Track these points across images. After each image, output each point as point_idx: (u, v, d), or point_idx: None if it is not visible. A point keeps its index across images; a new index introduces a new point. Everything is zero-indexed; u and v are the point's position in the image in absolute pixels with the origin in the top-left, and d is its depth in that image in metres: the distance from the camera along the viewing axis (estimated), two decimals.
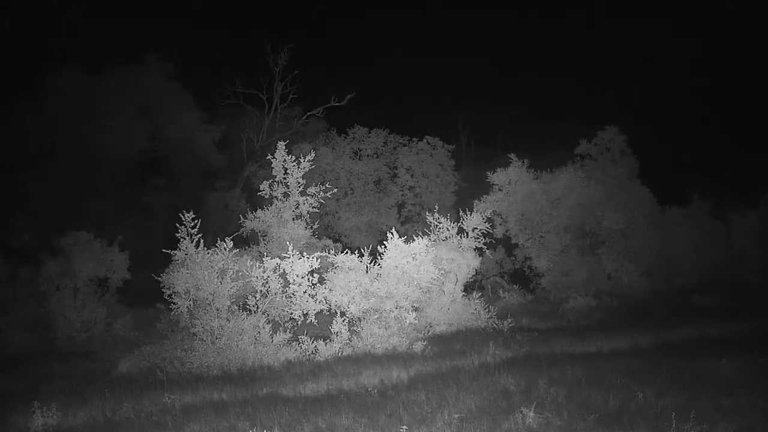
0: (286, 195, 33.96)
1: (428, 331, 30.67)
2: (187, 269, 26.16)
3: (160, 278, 26.74)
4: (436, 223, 33.96)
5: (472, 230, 34.05)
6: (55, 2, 53.75)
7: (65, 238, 32.19)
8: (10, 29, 47.21)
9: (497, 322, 31.55)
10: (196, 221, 26.74)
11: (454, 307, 31.90)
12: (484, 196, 43.15)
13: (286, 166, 33.79)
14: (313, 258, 27.66)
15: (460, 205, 45.16)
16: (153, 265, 29.55)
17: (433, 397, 20.77)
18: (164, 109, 50.30)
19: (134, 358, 26.63)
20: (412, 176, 51.81)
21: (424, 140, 52.21)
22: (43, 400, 20.29)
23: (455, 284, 32.16)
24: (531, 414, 18.30)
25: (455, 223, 34.11)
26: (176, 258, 26.61)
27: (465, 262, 32.55)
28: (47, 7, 52.65)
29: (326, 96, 50.90)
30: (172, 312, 26.53)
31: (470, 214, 34.46)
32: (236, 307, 26.47)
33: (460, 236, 33.86)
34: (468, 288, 34.63)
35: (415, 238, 29.62)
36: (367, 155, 51.79)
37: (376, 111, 52.28)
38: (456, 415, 18.73)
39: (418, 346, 27.55)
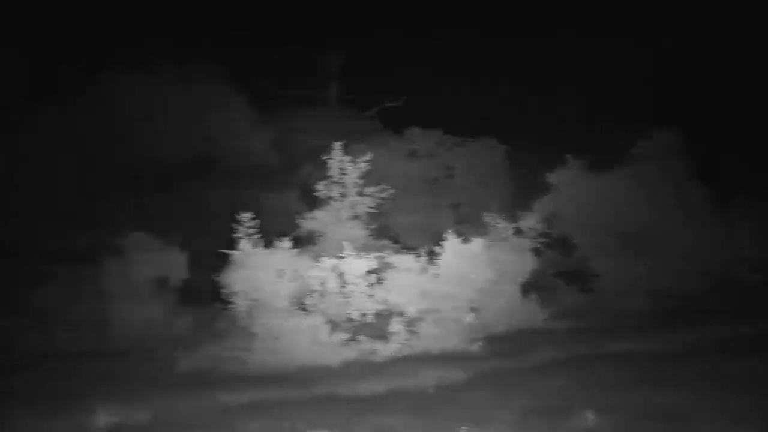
0: (342, 195, 33.98)
1: (485, 332, 30.55)
2: (246, 269, 26.30)
3: (219, 278, 26.92)
4: (493, 223, 33.83)
5: (529, 230, 33.88)
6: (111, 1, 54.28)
7: (125, 238, 32.40)
8: (67, 28, 47.72)
9: (554, 323, 31.39)
10: (253, 221, 26.89)
11: (511, 307, 31.77)
12: (542, 196, 42.84)
13: (342, 166, 33.82)
14: (370, 258, 27.70)
15: (517, 205, 44.93)
16: (212, 265, 29.75)
17: (490, 397, 20.73)
18: (219, 110, 50.54)
19: (194, 357, 26.80)
20: (467, 176, 51.54)
21: (480, 140, 51.95)
22: (103, 399, 20.48)
23: (512, 285, 32.03)
24: (590, 415, 18.18)
25: (512, 224, 33.97)
26: (234, 258, 26.77)
27: (522, 262, 32.43)
28: (103, 5, 53.23)
29: (382, 96, 50.92)
30: (231, 312, 26.69)
31: (527, 215, 34.30)
32: (294, 307, 26.57)
33: (517, 237, 33.70)
34: (525, 288, 34.42)
35: (471, 238, 29.55)
36: (423, 155, 51.61)
37: (432, 111, 51.96)
38: (514, 416, 18.66)
39: (476, 347, 27.50)
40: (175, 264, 32.93)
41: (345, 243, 29.37)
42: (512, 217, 35.15)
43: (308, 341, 26.04)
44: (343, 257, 27.69)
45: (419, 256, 29.08)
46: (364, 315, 27.72)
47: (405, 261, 28.78)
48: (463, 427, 17.72)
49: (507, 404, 19.84)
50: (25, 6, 46.25)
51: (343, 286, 27.57)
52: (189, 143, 49.14)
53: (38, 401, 21.27)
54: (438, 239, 31.66)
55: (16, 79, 42.89)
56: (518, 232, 34.03)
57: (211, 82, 50.51)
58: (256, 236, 26.78)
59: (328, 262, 27.21)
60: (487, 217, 34.10)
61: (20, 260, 37.45)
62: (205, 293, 32.55)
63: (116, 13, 52.36)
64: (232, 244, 26.91)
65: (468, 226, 48.43)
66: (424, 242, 39.36)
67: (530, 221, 34.04)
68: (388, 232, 48.14)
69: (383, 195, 34.76)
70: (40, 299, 34.04)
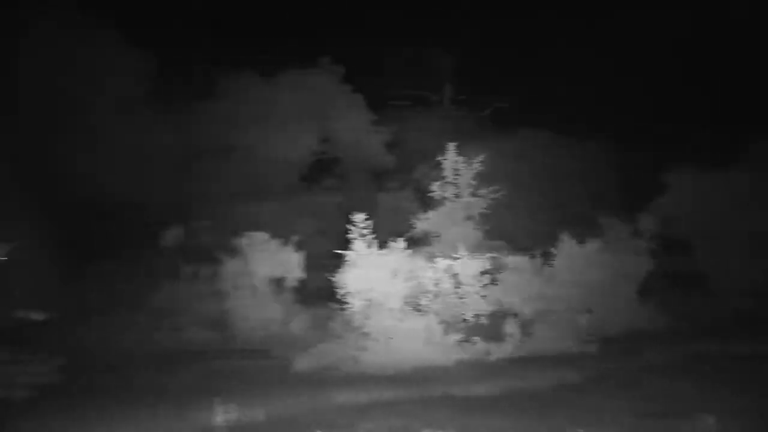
0: (456, 196, 33.97)
1: (601, 333, 30.22)
2: (360, 269, 26.54)
3: (333, 278, 27.24)
4: (608, 225, 33.45)
5: (645, 232, 33.40)
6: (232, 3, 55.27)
7: (243, 239, 32.94)
8: (184, 30, 48.77)
9: (670, 324, 30.90)
10: (367, 222, 27.10)
11: (627, 309, 31.36)
12: (657, 197, 42.14)
13: (456, 167, 33.80)
14: (484, 259, 27.68)
15: (632, 206, 44.26)
16: (326, 266, 30.10)
17: (605, 399, 20.56)
18: (335, 111, 50.95)
19: (309, 356, 27.16)
20: (581, 177, 50.93)
21: (593, 140, 51.29)
22: (223, 396, 20.85)
23: (628, 286, 31.63)
24: (710, 419, 17.89)
25: (628, 225, 33.53)
26: (349, 258, 27.03)
27: (638, 264, 32.00)
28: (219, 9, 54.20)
29: (494, 97, 50.72)
30: (346, 312, 26.99)
31: (643, 216, 33.82)
32: (408, 307, 26.69)
33: (634, 238, 33.25)
34: (641, 290, 33.94)
35: (587, 240, 29.30)
36: (536, 156, 51.17)
37: (544, 111, 51.61)
38: (630, 418, 18.49)
39: (591, 348, 27.25)
40: (292, 264, 33.37)
41: (459, 244, 29.39)
42: (628, 219, 34.69)
43: (422, 341, 26.15)
44: (457, 258, 27.72)
45: (533, 257, 28.96)
46: (478, 316, 27.71)
47: (519, 262, 28.70)
48: (579, 430, 17.63)
49: (622, 406, 19.67)
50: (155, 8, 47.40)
51: (457, 287, 27.61)
52: (307, 145, 49.75)
53: (158, 399, 21.86)
54: (552, 240, 31.47)
55: (144, 80, 44.00)
56: (634, 233, 33.56)
57: (328, 84, 51.03)
58: (370, 237, 26.98)
59: (442, 262, 27.29)
60: (603, 219, 33.71)
61: (142, 259, 38.53)
62: (320, 293, 32.94)
63: (237, 19, 53.45)
64: (347, 244, 27.16)
65: (583, 227, 47.91)
66: (538, 243, 39.15)
67: (646, 223, 33.52)
68: (501, 233, 47.96)
69: (497, 196, 34.63)
70: (162, 298, 35.02)
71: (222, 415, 19.61)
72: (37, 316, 35.10)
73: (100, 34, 42.22)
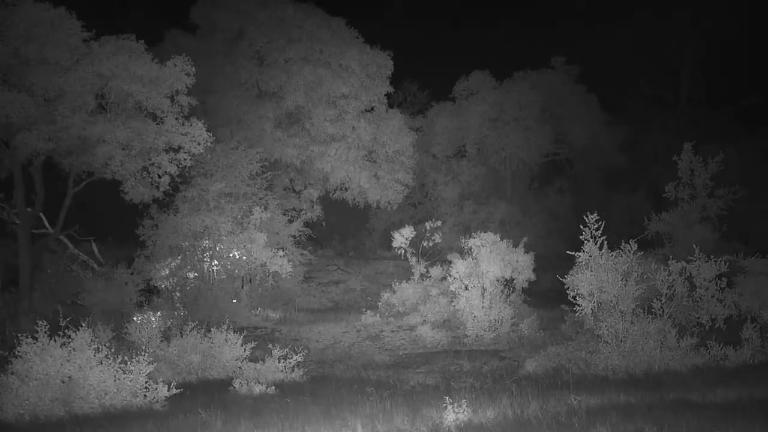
0: (692, 197, 33.19)
1: None
2: (591, 271, 26.28)
3: (564, 280, 27.08)
4: None
5: None
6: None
7: (473, 239, 33.16)
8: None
9: None
10: (599, 223, 26.78)
11: None
12: None
13: (692, 167, 33.05)
14: (720, 261, 26.84)
15: None
16: (556, 267, 29.93)
17: None
18: (568, 112, 50.68)
19: (540, 358, 27.12)
20: None
21: None
22: (454, 395, 21.04)
23: None
24: None
25: None
26: (580, 260, 26.80)
27: None
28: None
29: (737, 94, 49.15)
30: (576, 313, 26.80)
31: None
32: (641, 310, 26.22)
33: None
34: None
35: None
36: None
37: None
38: None
39: None
40: (522, 265, 33.37)
41: (694, 246, 28.60)
42: None
43: (655, 345, 25.59)
44: (692, 260, 27.00)
45: None
46: (713, 320, 26.89)
47: (758, 264, 27.65)
48: None
49: None
50: None
51: (692, 290, 26.87)
52: (538, 145, 49.74)
53: (389, 397, 22.35)
54: None
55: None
56: None
57: (562, 85, 50.86)
58: (602, 238, 26.66)
59: (676, 265, 26.62)
60: None
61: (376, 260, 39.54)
62: (551, 294, 32.81)
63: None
64: (579, 245, 26.94)
65: None
66: None
67: None
68: (740, 235, 46.27)
69: (736, 197, 33.60)
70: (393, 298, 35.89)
71: (452, 414, 19.79)
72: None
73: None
